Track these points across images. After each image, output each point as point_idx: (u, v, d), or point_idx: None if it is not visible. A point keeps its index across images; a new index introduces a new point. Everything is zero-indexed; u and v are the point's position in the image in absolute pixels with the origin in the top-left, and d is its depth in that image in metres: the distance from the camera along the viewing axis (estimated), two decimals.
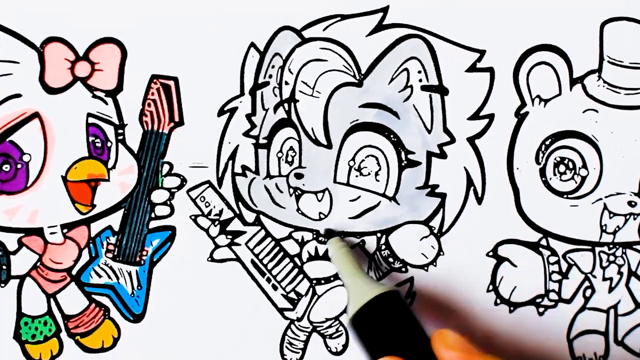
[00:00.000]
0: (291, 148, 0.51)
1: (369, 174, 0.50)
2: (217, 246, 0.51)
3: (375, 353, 0.44)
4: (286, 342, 0.51)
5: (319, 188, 0.50)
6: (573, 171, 0.50)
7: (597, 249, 0.51)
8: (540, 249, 0.51)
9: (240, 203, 0.51)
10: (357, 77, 0.50)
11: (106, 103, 0.51)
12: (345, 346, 0.51)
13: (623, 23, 0.51)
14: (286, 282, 0.51)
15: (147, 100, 0.51)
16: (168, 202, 0.51)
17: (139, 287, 0.51)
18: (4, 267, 0.50)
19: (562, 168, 0.50)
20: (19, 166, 0.50)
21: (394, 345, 0.43)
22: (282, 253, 0.51)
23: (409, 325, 0.44)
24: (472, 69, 0.51)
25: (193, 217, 0.51)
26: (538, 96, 0.51)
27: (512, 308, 0.51)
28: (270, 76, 0.51)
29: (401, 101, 0.50)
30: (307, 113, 0.50)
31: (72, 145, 0.50)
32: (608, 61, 0.50)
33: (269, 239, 0.51)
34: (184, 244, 0.51)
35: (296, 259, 0.51)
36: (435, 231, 0.51)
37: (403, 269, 0.51)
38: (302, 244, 0.51)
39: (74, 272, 0.51)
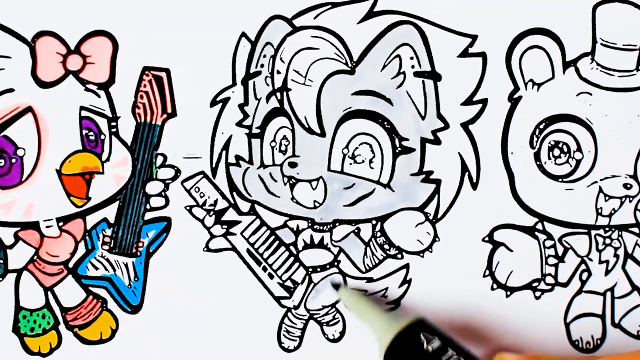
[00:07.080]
0: (284, 137, 0.51)
1: (363, 161, 0.50)
2: (212, 236, 0.51)
3: None
4: (283, 330, 0.51)
5: (313, 176, 0.50)
6: (568, 154, 0.50)
7: (593, 232, 0.51)
8: (536, 233, 0.51)
9: (234, 193, 0.51)
10: (349, 65, 0.50)
11: (99, 96, 0.51)
12: (342, 333, 0.51)
13: (615, 5, 0.50)
14: (282, 271, 0.51)
15: (140, 92, 0.51)
16: (163, 194, 0.51)
17: (136, 279, 0.51)
18: (1, 261, 0.51)
19: (556, 152, 0.50)
20: (13, 161, 0.50)
21: None
22: (277, 242, 0.51)
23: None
24: (465, 54, 0.50)
25: (188, 208, 0.51)
26: (531, 80, 0.50)
27: (508, 293, 0.51)
28: (262, 65, 0.51)
29: (394, 88, 0.50)
30: (300, 102, 0.50)
31: (65, 139, 0.50)
32: (601, 43, 0.50)
33: (264, 228, 0.51)
34: (180, 235, 0.51)
35: (292, 248, 0.51)
36: (431, 217, 0.51)
37: (399, 256, 0.51)
38: (297, 232, 0.51)
39: (70, 264, 0.51)
